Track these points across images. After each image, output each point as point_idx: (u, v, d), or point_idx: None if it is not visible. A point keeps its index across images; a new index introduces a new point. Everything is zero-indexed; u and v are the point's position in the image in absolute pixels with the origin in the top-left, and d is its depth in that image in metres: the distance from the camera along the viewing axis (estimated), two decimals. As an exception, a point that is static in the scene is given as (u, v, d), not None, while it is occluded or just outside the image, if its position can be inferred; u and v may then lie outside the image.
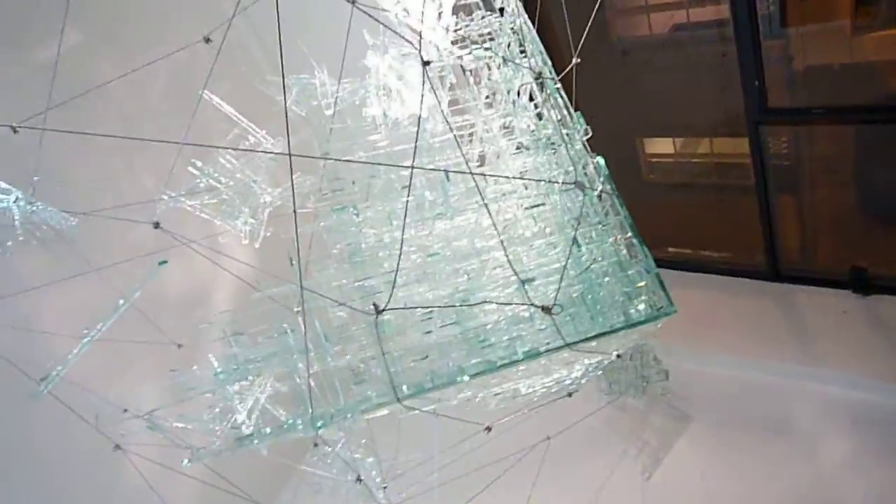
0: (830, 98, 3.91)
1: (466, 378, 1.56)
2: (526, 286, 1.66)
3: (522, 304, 1.51)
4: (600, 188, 1.74)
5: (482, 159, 1.88)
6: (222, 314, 1.79)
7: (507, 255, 1.41)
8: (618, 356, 2.21)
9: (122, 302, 2.03)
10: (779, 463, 3.82)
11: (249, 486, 2.11)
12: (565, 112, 1.80)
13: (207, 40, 1.82)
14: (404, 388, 1.50)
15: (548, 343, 1.58)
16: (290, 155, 1.41)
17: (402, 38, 1.45)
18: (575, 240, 1.68)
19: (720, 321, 4.29)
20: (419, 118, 1.81)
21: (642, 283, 1.66)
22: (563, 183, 1.69)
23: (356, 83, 2.19)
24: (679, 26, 4.55)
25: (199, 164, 2.24)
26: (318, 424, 1.47)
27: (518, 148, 1.82)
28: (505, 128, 1.86)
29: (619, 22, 4.91)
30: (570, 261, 1.68)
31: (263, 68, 3.41)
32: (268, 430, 1.51)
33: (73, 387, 1.96)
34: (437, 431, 2.47)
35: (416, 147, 1.34)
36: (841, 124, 3.79)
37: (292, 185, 1.44)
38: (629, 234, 1.70)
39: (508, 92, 1.86)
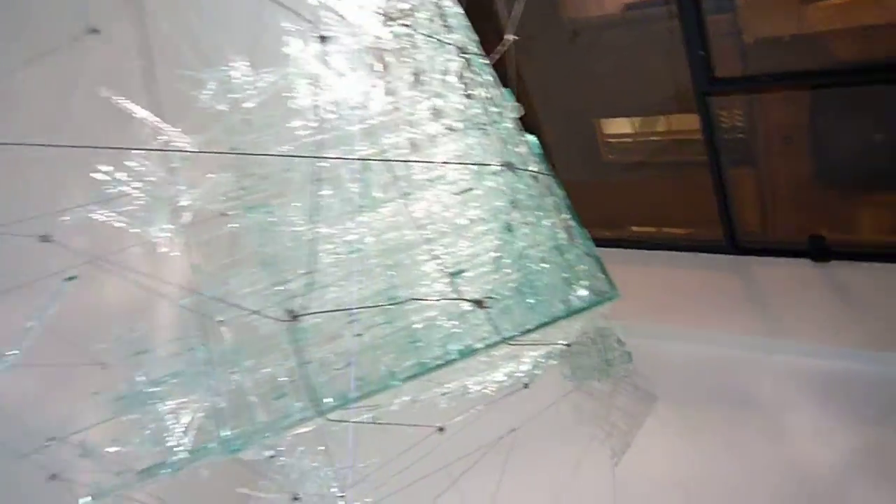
0: (780, 66, 3.86)
1: (397, 383, 1.43)
2: (458, 279, 1.54)
3: (452, 300, 1.38)
4: (534, 168, 1.62)
5: (414, 146, 1.75)
6: (135, 332, 1.63)
7: (436, 247, 1.28)
8: (566, 346, 2.11)
9: (29, 325, 1.86)
10: (747, 436, 3.78)
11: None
12: (494, 90, 1.68)
13: (94, 31, 1.65)
14: (327, 400, 1.37)
15: (485, 339, 1.47)
16: (198, 152, 1.26)
17: (297, 14, 1.31)
18: (508, 225, 1.56)
19: (682, 297, 4.23)
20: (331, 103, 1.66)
21: (582, 268, 1.55)
22: (492, 165, 1.56)
23: (278, 72, 2.04)
24: (630, 5, 4.51)
25: (105, 168, 2.06)
26: (233, 448, 1.33)
27: (449, 130, 1.69)
28: (435, 110, 1.73)
29: (569, 3, 4.82)
30: (504, 249, 1.56)
31: (165, 60, 3.15)
32: (179, 456, 1.36)
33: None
34: (394, 435, 2.35)
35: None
36: (789, 89, 3.74)
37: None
38: (566, 215, 1.59)
39: (436, 72, 1.73)
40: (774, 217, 4.57)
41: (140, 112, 2.09)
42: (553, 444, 3.94)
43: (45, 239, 1.52)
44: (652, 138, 5.33)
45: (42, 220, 2.12)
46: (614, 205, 5.21)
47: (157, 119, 2.11)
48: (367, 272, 1.54)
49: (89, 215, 2.08)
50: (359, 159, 1.59)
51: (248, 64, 2.10)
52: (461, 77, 1.70)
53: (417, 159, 1.63)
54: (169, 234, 1.97)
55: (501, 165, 1.55)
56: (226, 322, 1.48)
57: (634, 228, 5.14)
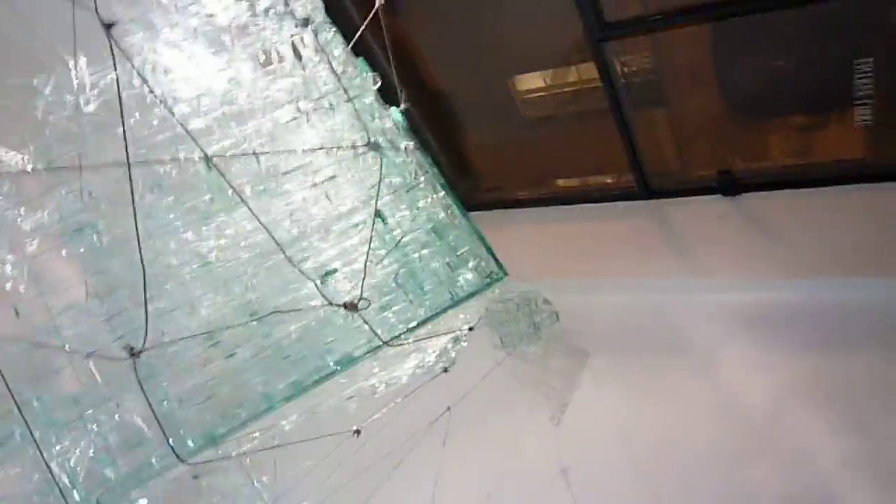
0: (674, 3, 3.76)
1: (273, 407, 1.26)
2: (328, 280, 1.37)
3: (321, 306, 1.21)
4: (402, 145, 1.45)
5: (267, 135, 1.54)
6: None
7: (286, 254, 1.10)
8: (470, 329, 1.98)
9: None
10: (682, 379, 3.76)
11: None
12: (347, 63, 1.49)
13: None
14: (189, 442, 1.19)
15: (365, 345, 1.31)
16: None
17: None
18: (378, 213, 1.39)
19: (603, 249, 4.16)
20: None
21: (466, 249, 1.40)
22: (353, 147, 1.38)
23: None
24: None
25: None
26: (87, 511, 1.14)
27: (302, 112, 1.49)
28: (285, 91, 1.53)
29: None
30: (378, 239, 1.40)
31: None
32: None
33: None
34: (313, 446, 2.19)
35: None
36: (684, 26, 3.64)
37: None
38: (442, 193, 1.43)
39: (282, 49, 1.52)
40: (685, 157, 4.54)
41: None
42: (493, 416, 3.85)
43: None
44: (565, 90, 5.21)
45: None
46: (532, 163, 5.10)
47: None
48: (222, 286, 1.35)
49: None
50: (207, 157, 1.38)
51: (82, 64, 1.84)
52: (304, 53, 1.50)
53: (266, 150, 1.43)
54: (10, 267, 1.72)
55: (364, 146, 1.37)
56: (63, 368, 1.27)
57: (558, 182, 5.03)
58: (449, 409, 3.44)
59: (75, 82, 1.78)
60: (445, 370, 2.34)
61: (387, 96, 1.55)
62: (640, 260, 4.03)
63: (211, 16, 1.49)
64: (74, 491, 1.15)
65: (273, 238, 1.12)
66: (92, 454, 1.20)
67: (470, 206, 4.76)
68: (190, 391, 1.24)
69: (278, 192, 1.44)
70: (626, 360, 3.91)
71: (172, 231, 1.41)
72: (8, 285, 1.31)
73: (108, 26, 0.95)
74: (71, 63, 1.87)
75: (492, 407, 3.89)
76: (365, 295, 1.24)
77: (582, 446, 3.70)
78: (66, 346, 1.24)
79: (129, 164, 1.03)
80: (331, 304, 1.17)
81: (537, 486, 3.70)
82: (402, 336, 1.25)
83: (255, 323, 1.27)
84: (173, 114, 1.20)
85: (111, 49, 0.96)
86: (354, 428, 2.33)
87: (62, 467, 1.17)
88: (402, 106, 2.53)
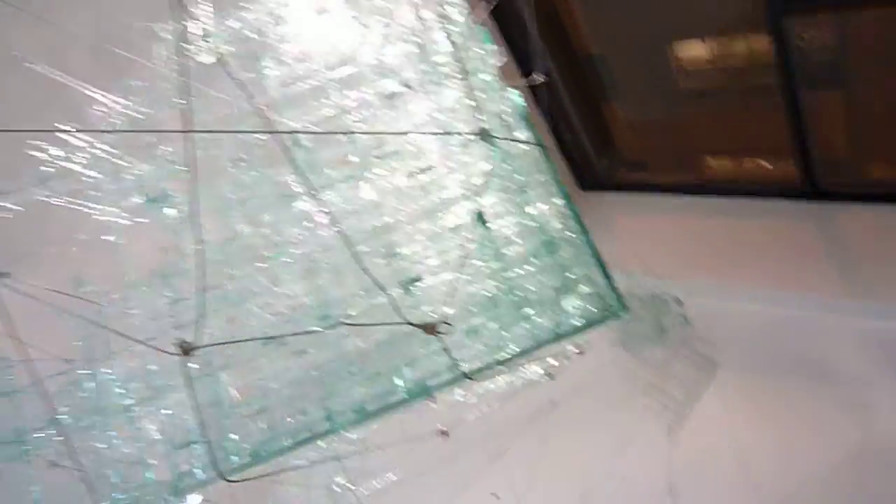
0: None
1: (334, 433, 1.10)
2: (411, 289, 1.17)
3: (396, 324, 1.02)
4: (518, 136, 1.21)
5: (365, 108, 1.35)
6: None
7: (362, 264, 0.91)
8: (578, 353, 1.72)
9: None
10: (821, 410, 3.30)
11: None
12: (466, 34, 1.25)
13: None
14: (234, 457, 1.05)
15: (448, 371, 1.10)
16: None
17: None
18: (479, 215, 1.16)
19: (751, 251, 3.69)
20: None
21: (579, 272, 1.15)
22: (460, 134, 1.16)
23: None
24: None
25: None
26: (118, 516, 1.04)
27: (406, 87, 1.28)
28: (388, 66, 1.32)
29: None
30: (474, 247, 1.17)
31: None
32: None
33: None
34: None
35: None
36: (875, 7, 3.07)
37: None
38: (560, 200, 1.18)
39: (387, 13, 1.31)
40: (864, 154, 3.91)
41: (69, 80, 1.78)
42: (601, 417, 3.59)
43: None
44: (730, 62, 4.66)
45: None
46: (682, 142, 4.64)
47: (89, 86, 1.78)
48: (299, 277, 1.19)
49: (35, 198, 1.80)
50: (291, 132, 1.21)
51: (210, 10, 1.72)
52: (423, 15, 1.27)
53: (363, 129, 1.24)
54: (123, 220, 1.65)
55: (473, 134, 1.14)
56: (118, 353, 1.17)
57: (709, 168, 4.54)
58: (554, 403, 3.22)
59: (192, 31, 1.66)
60: (550, 377, 2.11)
61: (513, 70, 1.30)
62: (791, 269, 3.54)
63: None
64: (112, 489, 1.05)
65: (345, 236, 0.93)
66: (132, 451, 1.10)
67: (605, 186, 4.41)
68: (246, 396, 1.10)
69: (367, 179, 1.25)
70: (760, 378, 3.50)
71: (253, 210, 1.26)
72: (74, 249, 1.23)
73: None
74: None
75: (601, 407, 3.62)
76: (452, 312, 1.03)
77: (697, 467, 3.36)
78: (121, 330, 1.13)
79: (191, 132, 0.87)
80: (407, 323, 0.96)
81: (638, 501, 3.42)
82: (488, 370, 1.02)
83: (324, 328, 1.10)
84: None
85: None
86: (442, 428, 2.17)
87: (100, 461, 1.08)
88: (536, 77, 2.25)
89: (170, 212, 1.25)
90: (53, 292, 1.17)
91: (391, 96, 1.30)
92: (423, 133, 1.22)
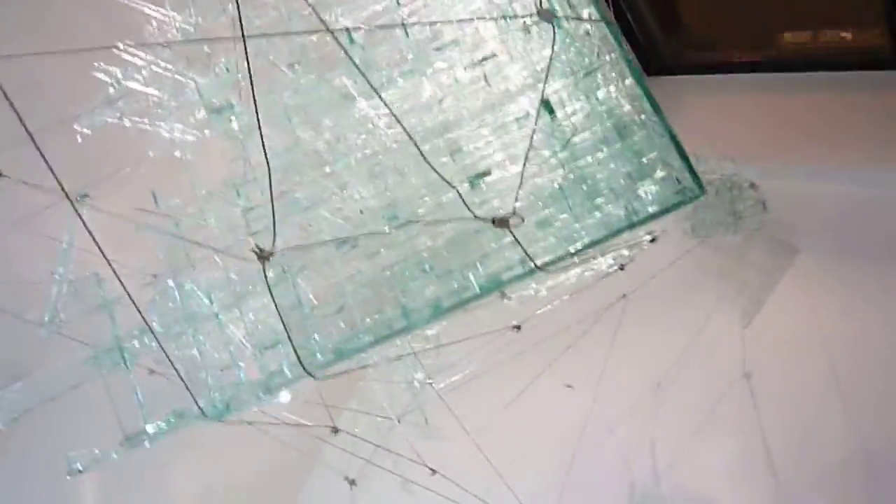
0: None
1: (412, 330, 1.12)
2: (479, 183, 1.15)
3: (465, 219, 1.01)
4: (585, 14, 1.14)
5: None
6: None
7: (424, 155, 0.89)
8: (652, 240, 1.67)
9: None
10: (909, 294, 3.17)
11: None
12: None
13: None
14: (318, 355, 1.09)
15: (520, 264, 1.10)
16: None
17: None
18: (545, 103, 1.12)
19: (830, 127, 3.47)
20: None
21: (653, 155, 1.10)
22: (520, 17, 1.09)
23: None
24: None
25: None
26: (217, 415, 1.11)
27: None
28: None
29: None
30: (542, 136, 1.13)
31: None
32: (160, 424, 1.16)
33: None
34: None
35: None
36: None
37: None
38: (631, 80, 1.11)
39: None
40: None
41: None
42: (673, 307, 3.55)
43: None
44: None
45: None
46: (755, 15, 4.31)
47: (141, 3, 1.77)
48: (368, 180, 1.18)
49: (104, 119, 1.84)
50: (344, 29, 1.17)
51: None
52: None
53: (415, 21, 1.18)
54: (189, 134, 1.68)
55: (534, 15, 1.07)
56: (199, 261, 1.20)
57: (784, 41, 4.22)
58: (625, 296, 3.21)
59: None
60: (621, 268, 2.09)
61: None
62: (876, 145, 3.32)
63: None
64: (209, 389, 1.11)
65: (406, 131, 0.91)
66: (223, 354, 1.15)
67: (673, 69, 4.17)
68: (323, 298, 1.13)
69: (428, 72, 1.21)
70: (843, 263, 3.37)
71: (314, 115, 1.25)
72: (146, 168, 1.26)
73: None
74: None
75: (673, 297, 3.58)
76: (521, 205, 1.01)
77: (773, 353, 3.32)
78: (199, 241, 1.17)
79: (243, 36, 0.85)
80: (477, 217, 0.95)
81: (714, 387, 3.42)
82: (562, 261, 1.01)
83: (393, 229, 1.10)
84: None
85: None
86: (514, 323, 2.19)
87: (194, 364, 1.14)
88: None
89: (233, 121, 1.25)
90: (133, 210, 1.21)
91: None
92: (481, 19, 1.16)
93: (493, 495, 2.85)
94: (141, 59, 1.81)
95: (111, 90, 1.85)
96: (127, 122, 1.80)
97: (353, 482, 2.90)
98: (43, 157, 0.94)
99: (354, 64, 1.10)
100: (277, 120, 1.23)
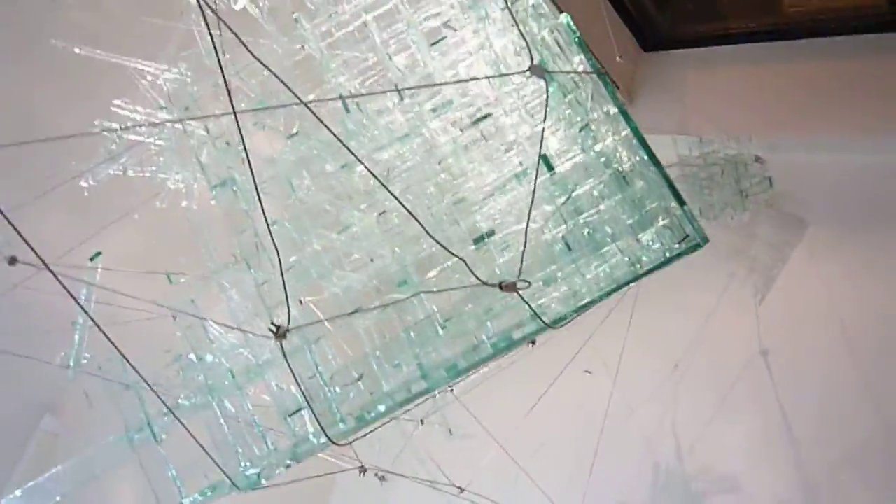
0: None
1: (432, 391, 1.15)
2: (484, 243, 1.17)
3: (472, 286, 1.03)
4: (576, 66, 1.14)
5: (413, 49, 1.28)
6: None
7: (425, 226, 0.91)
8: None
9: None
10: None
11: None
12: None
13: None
14: (341, 424, 1.12)
15: (531, 322, 1.12)
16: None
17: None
18: (543, 158, 1.13)
19: (832, 97, 3.42)
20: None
21: (654, 204, 1.11)
22: (514, 73, 1.10)
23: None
24: None
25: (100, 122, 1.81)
26: (249, 486, 1.14)
27: (445, 26, 1.21)
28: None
29: None
30: (543, 191, 1.15)
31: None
32: (196, 497, 1.20)
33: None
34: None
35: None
36: None
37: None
38: (625, 128, 1.12)
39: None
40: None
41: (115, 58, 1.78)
42: (686, 287, 3.55)
43: (12, 262, 1.29)
44: None
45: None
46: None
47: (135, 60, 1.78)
48: (376, 243, 1.20)
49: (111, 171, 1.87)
50: (340, 98, 1.18)
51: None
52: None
53: (415, 85, 1.19)
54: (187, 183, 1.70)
55: (527, 72, 1.08)
56: (217, 338, 1.23)
57: (783, 5, 4.13)
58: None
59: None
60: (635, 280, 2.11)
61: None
62: (882, 112, 3.28)
63: None
64: (239, 459, 1.15)
65: (404, 206, 0.93)
66: (249, 423, 1.19)
67: (670, 44, 4.11)
68: (341, 366, 1.16)
69: (426, 133, 1.21)
70: (854, 233, 3.35)
71: (318, 180, 1.26)
72: (159, 244, 1.28)
73: None
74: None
75: (686, 277, 3.57)
76: (528, 262, 1.03)
77: (788, 328, 3.33)
78: (216, 314, 1.20)
79: (234, 112, 0.87)
80: (483, 283, 0.98)
81: (731, 365, 3.44)
82: (571, 317, 1.03)
83: (403, 294, 1.12)
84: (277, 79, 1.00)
85: None
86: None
87: (222, 434, 1.18)
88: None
89: (236, 191, 1.27)
90: (147, 302, 1.24)
91: (437, 39, 1.23)
92: (475, 79, 1.16)
93: (520, 488, 2.90)
94: (139, 114, 1.84)
95: (113, 146, 1.88)
96: (131, 173, 1.83)
97: (382, 478, 2.95)
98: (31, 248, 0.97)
99: (343, 143, 1.11)
100: (282, 185, 1.25)
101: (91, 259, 1.81)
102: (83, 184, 1.90)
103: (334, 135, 0.91)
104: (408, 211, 0.96)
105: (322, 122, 0.87)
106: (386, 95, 1.19)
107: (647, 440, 3.57)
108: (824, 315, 3.26)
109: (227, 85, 1.02)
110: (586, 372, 3.53)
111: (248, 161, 1.06)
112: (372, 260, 1.18)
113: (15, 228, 0.96)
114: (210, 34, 0.92)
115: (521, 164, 1.15)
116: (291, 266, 1.20)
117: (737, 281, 3.57)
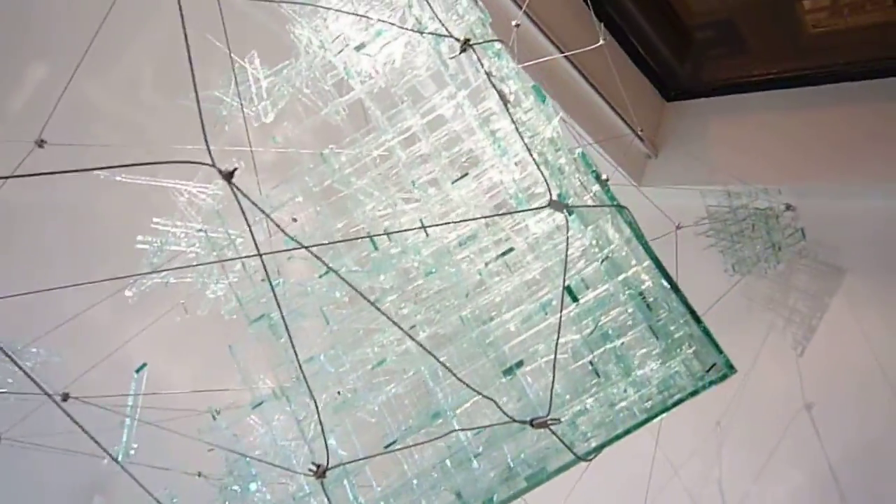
0: None
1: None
2: (512, 374, 1.19)
3: (503, 423, 1.05)
4: (596, 197, 1.17)
5: (431, 186, 1.32)
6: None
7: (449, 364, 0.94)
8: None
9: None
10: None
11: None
12: (517, 90, 1.20)
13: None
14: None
15: (564, 454, 1.13)
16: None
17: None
18: (568, 289, 1.15)
19: (871, 141, 3.39)
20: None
21: (680, 335, 1.12)
22: (532, 209, 1.13)
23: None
24: None
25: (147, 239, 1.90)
26: None
27: (464, 170, 1.25)
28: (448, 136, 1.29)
29: None
30: (569, 323, 1.17)
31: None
32: None
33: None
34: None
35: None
36: None
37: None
38: (648, 260, 1.14)
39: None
40: None
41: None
42: (724, 340, 3.52)
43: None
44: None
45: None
46: (776, 30, 4.19)
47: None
48: (401, 384, 1.23)
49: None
50: (371, 238, 1.23)
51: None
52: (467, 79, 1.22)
53: (434, 223, 1.23)
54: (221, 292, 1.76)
55: (547, 206, 1.11)
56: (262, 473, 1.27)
57: (808, 49, 4.08)
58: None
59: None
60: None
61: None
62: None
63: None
64: None
65: (425, 349, 0.96)
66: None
67: (693, 93, 4.12)
68: (382, 498, 1.19)
69: (452, 269, 1.25)
70: (891, 279, 3.30)
71: (349, 322, 1.30)
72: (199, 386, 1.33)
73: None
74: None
75: (722, 329, 3.53)
76: (559, 390, 1.05)
77: (832, 379, 3.27)
78: (257, 447, 1.24)
79: (260, 255, 0.91)
80: (515, 421, 1.00)
81: (775, 420, 3.38)
82: (603, 448, 1.05)
83: (434, 429, 1.15)
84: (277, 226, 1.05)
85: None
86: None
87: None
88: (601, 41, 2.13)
89: (273, 328, 1.32)
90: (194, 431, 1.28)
91: (453, 164, 1.28)
92: (496, 215, 1.20)
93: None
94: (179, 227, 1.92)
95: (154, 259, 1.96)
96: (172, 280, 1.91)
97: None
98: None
99: (359, 291, 1.15)
100: (317, 321, 1.29)
101: (136, 371, 1.88)
102: (127, 293, 1.99)
103: (363, 296, 0.96)
104: (437, 359, 0.99)
105: (352, 285, 0.92)
106: (411, 235, 1.24)
107: (692, 499, 3.51)
108: (868, 364, 3.20)
109: (253, 236, 1.07)
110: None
111: (279, 305, 1.10)
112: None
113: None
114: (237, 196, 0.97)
115: (546, 293, 1.18)
116: (327, 403, 1.24)
117: (776, 332, 3.52)
